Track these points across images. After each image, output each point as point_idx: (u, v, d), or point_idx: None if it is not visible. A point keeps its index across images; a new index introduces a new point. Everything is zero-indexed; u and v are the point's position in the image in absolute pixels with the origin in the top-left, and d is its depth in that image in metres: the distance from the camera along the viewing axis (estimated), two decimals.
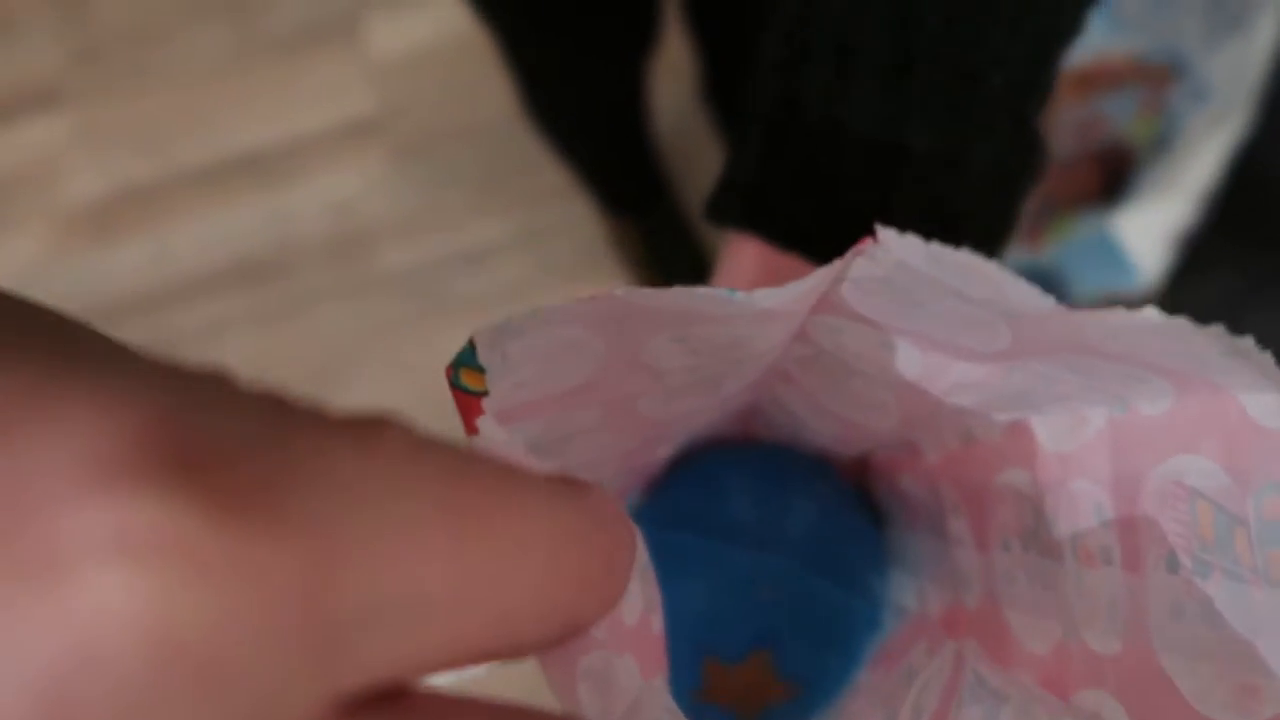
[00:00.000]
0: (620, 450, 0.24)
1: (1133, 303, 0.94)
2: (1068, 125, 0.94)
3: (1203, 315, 0.89)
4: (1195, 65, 0.86)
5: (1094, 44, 0.92)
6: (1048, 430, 0.22)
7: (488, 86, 1.30)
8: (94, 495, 0.08)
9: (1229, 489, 0.17)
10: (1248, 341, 0.15)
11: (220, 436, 0.09)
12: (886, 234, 0.17)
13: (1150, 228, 0.85)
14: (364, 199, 1.29)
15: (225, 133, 1.34)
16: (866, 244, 0.17)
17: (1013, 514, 0.23)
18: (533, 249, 1.24)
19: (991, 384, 0.22)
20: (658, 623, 0.22)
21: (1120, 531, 0.20)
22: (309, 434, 0.09)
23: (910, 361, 0.22)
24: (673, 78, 1.25)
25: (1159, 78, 0.90)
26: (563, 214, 1.25)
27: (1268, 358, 0.15)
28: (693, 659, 0.29)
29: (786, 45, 0.29)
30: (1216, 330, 0.15)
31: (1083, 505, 0.21)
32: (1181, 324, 0.15)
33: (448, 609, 0.10)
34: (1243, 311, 0.81)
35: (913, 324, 0.20)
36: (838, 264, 0.18)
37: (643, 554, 0.24)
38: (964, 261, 0.16)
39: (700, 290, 0.16)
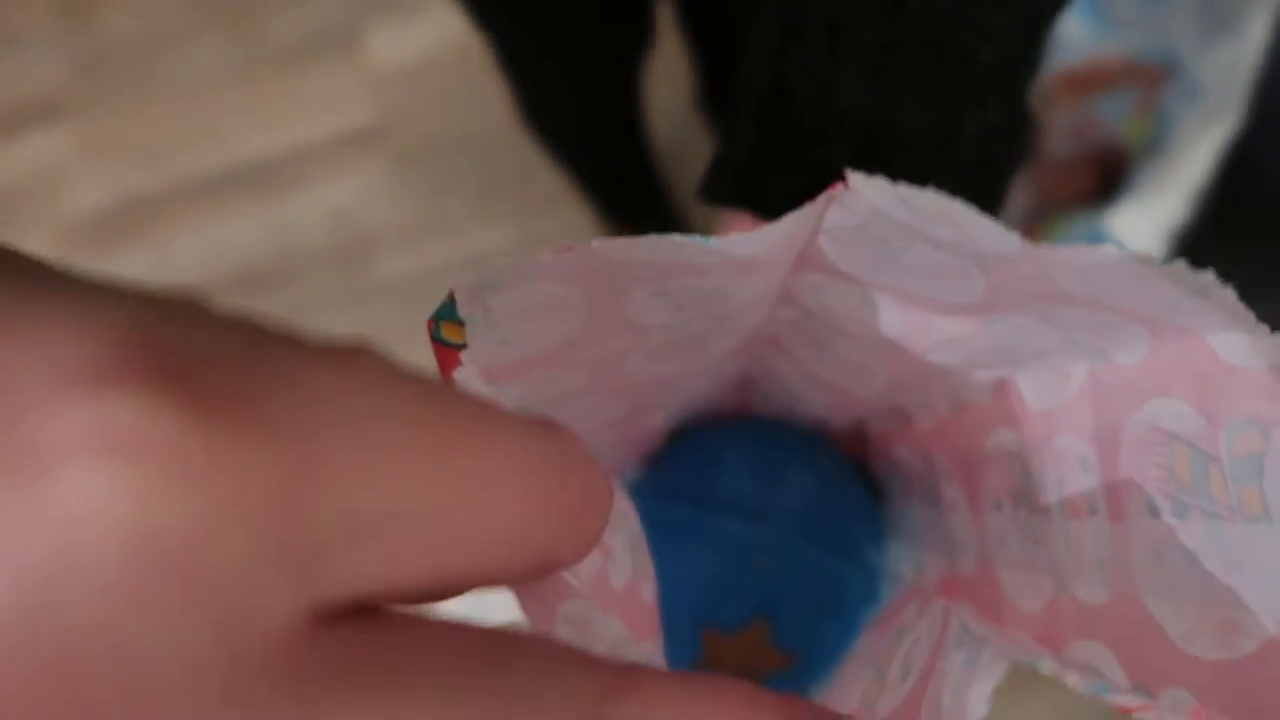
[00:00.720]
0: (610, 416, 0.25)
1: None
2: (1062, 127, 0.95)
3: None
4: (1188, 65, 0.86)
5: (1087, 46, 0.93)
6: (1033, 389, 0.23)
7: (486, 95, 1.31)
8: (76, 397, 0.08)
9: (1202, 429, 0.18)
10: (1209, 278, 0.15)
11: (199, 347, 0.09)
12: (857, 179, 0.17)
13: (1143, 226, 0.85)
14: (364, 207, 1.30)
15: (226, 143, 1.35)
16: (839, 189, 0.18)
17: (1003, 475, 0.24)
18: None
19: (973, 340, 0.22)
20: (648, 592, 0.22)
21: (1105, 482, 0.20)
22: (286, 352, 0.09)
23: (892, 318, 0.22)
24: (668, 85, 1.26)
25: (1152, 78, 0.90)
26: (561, 221, 1.26)
27: (1229, 294, 0.16)
28: (692, 629, 0.29)
29: (778, 27, 0.29)
30: (1179, 268, 0.15)
31: (1068, 460, 0.21)
32: (1141, 262, 0.15)
33: (424, 529, 0.10)
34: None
35: (890, 278, 0.21)
36: (811, 208, 0.18)
37: (635, 524, 0.24)
38: (932, 203, 0.16)
39: (675, 238, 0.16)
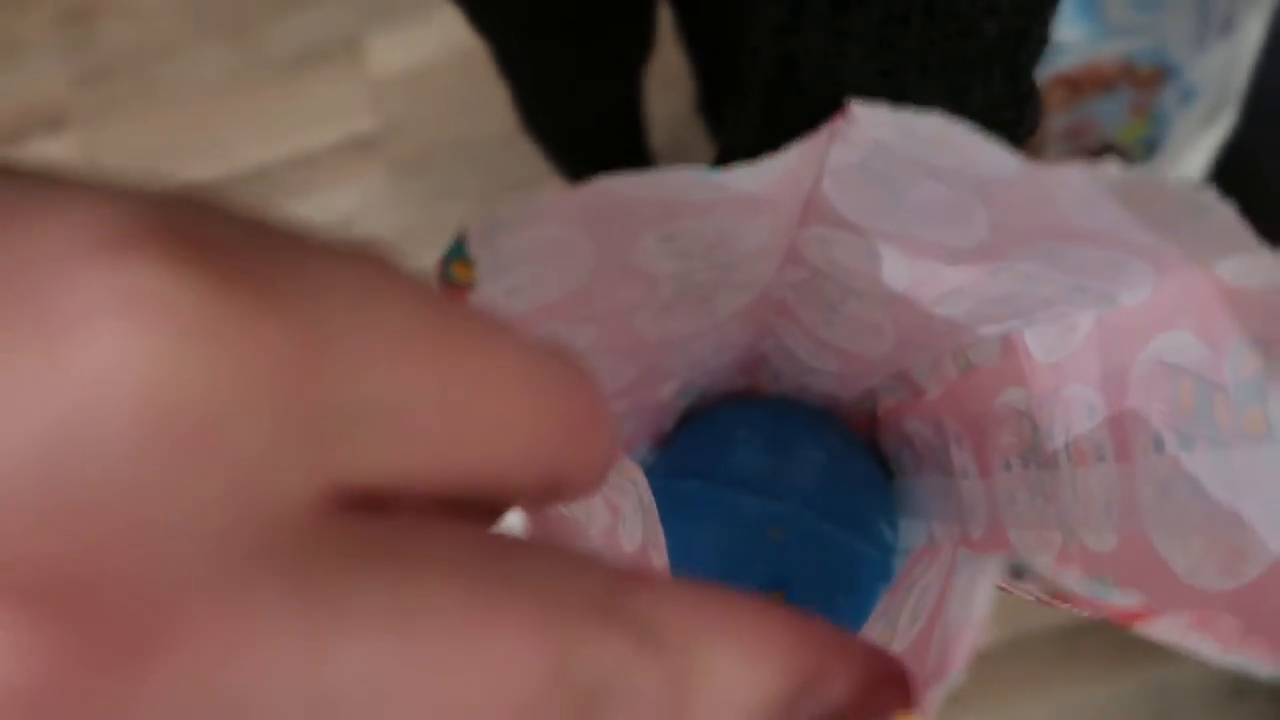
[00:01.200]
0: (621, 381, 0.25)
1: None
2: (1059, 129, 0.96)
3: None
4: (1183, 68, 0.87)
5: (1083, 48, 0.93)
6: (1040, 343, 0.23)
7: (487, 101, 1.32)
8: (98, 262, 0.08)
9: (1207, 358, 0.18)
10: (1208, 195, 0.15)
11: (214, 229, 0.09)
12: (858, 108, 0.17)
13: None
14: (366, 214, 1.30)
15: (228, 151, 1.35)
16: (840, 121, 0.18)
17: (1012, 433, 0.24)
18: None
19: (978, 289, 0.22)
20: (659, 560, 0.22)
21: (1111, 425, 0.20)
22: (296, 242, 0.09)
23: (899, 270, 0.23)
24: (669, 88, 1.27)
25: (1148, 80, 0.91)
26: None
27: (1229, 212, 0.15)
28: None
29: (783, 7, 0.30)
30: (1178, 184, 0.15)
31: (1075, 409, 0.22)
32: (1144, 180, 0.15)
33: (433, 422, 0.10)
34: None
35: (895, 223, 0.21)
36: (814, 141, 0.18)
37: (646, 493, 0.25)
38: (932, 127, 0.16)
39: (680, 171, 0.17)
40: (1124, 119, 0.94)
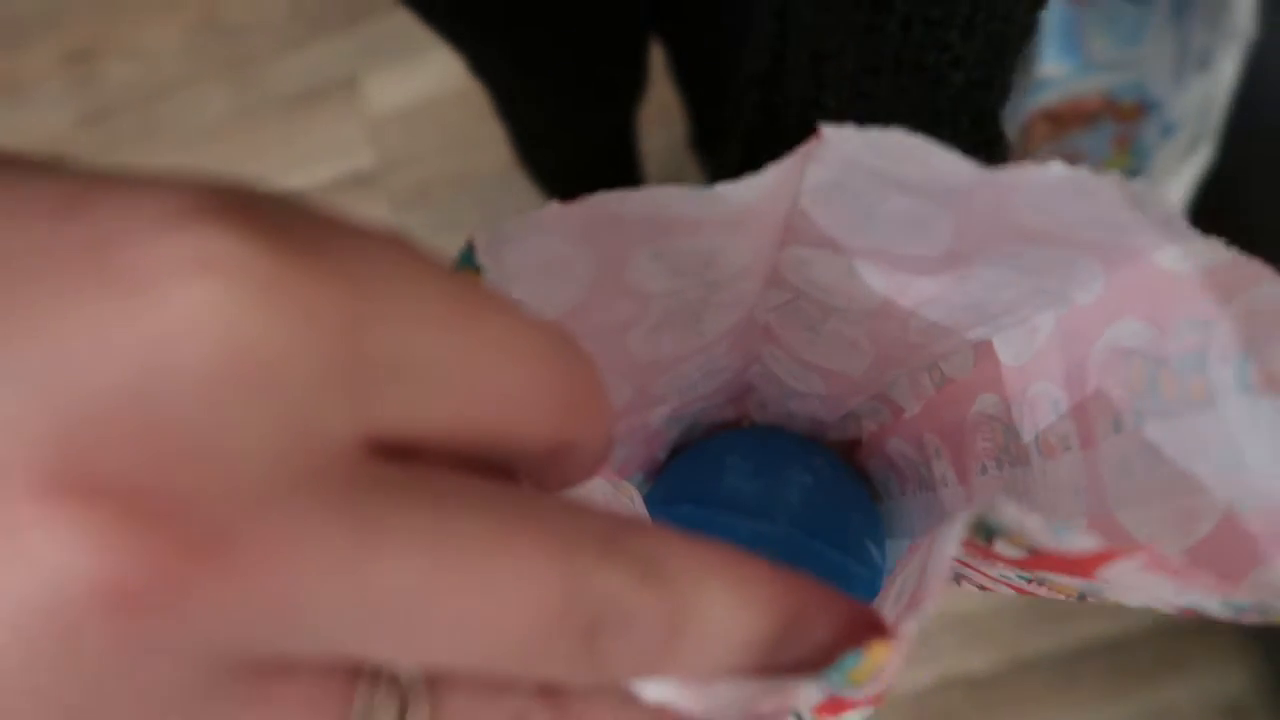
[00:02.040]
0: (619, 400, 0.26)
1: None
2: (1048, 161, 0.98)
3: None
4: (1163, 102, 0.89)
5: (1067, 84, 0.96)
6: (1007, 348, 0.24)
7: (483, 137, 1.34)
8: (175, 229, 0.09)
9: (1154, 339, 0.19)
10: (1145, 189, 0.17)
11: (269, 206, 0.10)
12: (831, 130, 0.18)
13: None
14: None
15: None
16: (815, 142, 0.19)
17: (987, 438, 0.25)
18: None
19: (948, 297, 0.24)
20: None
21: (1075, 416, 0.22)
22: (339, 222, 0.11)
23: (874, 284, 0.24)
24: (662, 124, 1.29)
25: (1129, 114, 0.93)
26: None
27: (1164, 205, 0.17)
28: None
29: (766, 56, 0.32)
30: (1117, 180, 0.16)
31: (1042, 405, 0.23)
32: (1084, 176, 0.17)
33: (455, 380, 0.11)
34: None
35: (869, 238, 0.22)
36: (791, 159, 0.19)
37: (642, 510, 0.26)
38: (897, 141, 0.18)
39: (670, 189, 0.18)
40: (1108, 152, 0.96)
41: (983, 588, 0.28)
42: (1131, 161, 0.92)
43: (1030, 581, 0.23)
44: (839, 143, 0.19)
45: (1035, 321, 0.23)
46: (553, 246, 0.19)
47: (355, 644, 0.10)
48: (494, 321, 0.12)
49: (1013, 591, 0.27)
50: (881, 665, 0.14)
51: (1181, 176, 0.82)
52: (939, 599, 0.18)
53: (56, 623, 0.09)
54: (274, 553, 0.09)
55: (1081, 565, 0.17)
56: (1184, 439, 0.19)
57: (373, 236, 0.11)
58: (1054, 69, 0.97)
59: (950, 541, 0.15)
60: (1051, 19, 0.95)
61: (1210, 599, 0.17)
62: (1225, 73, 0.83)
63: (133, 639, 0.09)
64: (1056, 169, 0.17)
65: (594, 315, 0.22)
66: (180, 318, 0.09)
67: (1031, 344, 0.24)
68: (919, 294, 0.24)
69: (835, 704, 0.16)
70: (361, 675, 0.11)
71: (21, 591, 0.09)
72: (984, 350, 0.25)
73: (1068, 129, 0.97)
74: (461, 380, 0.11)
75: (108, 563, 0.09)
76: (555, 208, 0.18)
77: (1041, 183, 0.18)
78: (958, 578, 0.28)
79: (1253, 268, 0.18)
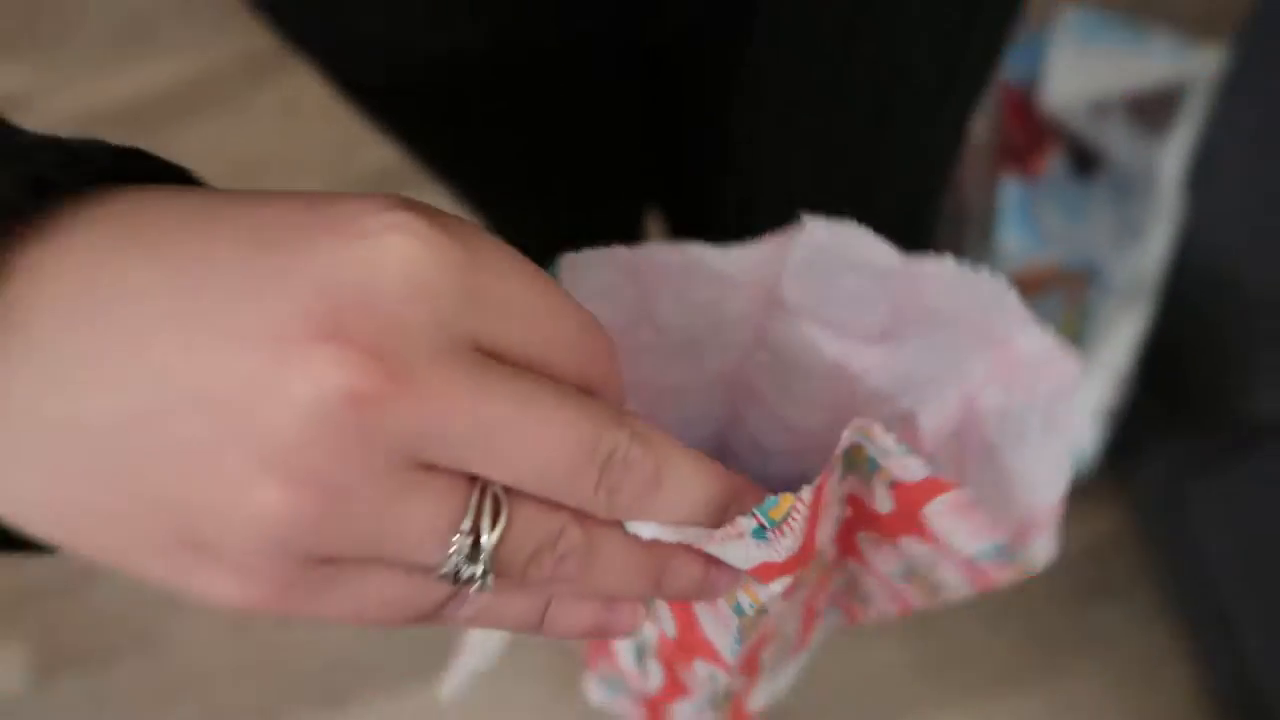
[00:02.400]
0: None
1: (1078, 481, 1.02)
2: None
3: (1144, 487, 0.96)
4: (1105, 269, 0.99)
5: (1023, 255, 1.06)
6: (927, 420, 0.29)
7: None
8: (384, 210, 0.17)
9: (1004, 400, 0.26)
10: (998, 285, 0.23)
11: (435, 209, 0.17)
12: (809, 221, 0.23)
13: (1081, 410, 0.94)
14: None
15: None
16: (795, 230, 0.24)
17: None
18: None
19: (886, 366, 0.28)
20: None
21: (957, 463, 0.28)
22: (469, 221, 0.18)
23: (830, 349, 0.29)
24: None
25: (1077, 282, 1.03)
26: None
27: (1010, 296, 0.23)
28: None
29: (738, 190, 0.41)
30: (982, 276, 0.23)
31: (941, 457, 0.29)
32: (965, 273, 0.23)
33: (528, 321, 0.18)
34: (1182, 481, 0.89)
35: (830, 310, 0.27)
36: (778, 239, 0.24)
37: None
38: (848, 230, 0.23)
39: (684, 245, 0.24)
40: (1061, 316, 1.05)
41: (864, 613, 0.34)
42: (1080, 323, 1.01)
43: (905, 578, 0.29)
44: (813, 229, 0.24)
45: (947, 394, 0.28)
46: (608, 276, 0.25)
47: (473, 458, 0.16)
48: (553, 294, 0.18)
49: (894, 610, 0.32)
50: (790, 508, 0.20)
51: (1123, 332, 0.91)
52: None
53: (325, 408, 0.15)
54: (436, 391, 0.16)
55: (919, 488, 0.24)
56: (1020, 465, 0.26)
57: (491, 236, 0.18)
58: (1013, 241, 1.07)
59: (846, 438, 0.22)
60: (1009, 199, 1.07)
61: (999, 539, 0.23)
62: (1157, 245, 0.93)
63: (364, 426, 0.15)
64: (948, 264, 0.23)
65: (625, 337, 0.27)
66: (388, 254, 0.16)
67: (941, 413, 0.28)
68: (865, 359, 0.28)
69: (765, 569, 0.21)
70: (474, 482, 0.17)
71: (307, 391, 0.15)
72: (908, 419, 0.30)
73: (1026, 295, 1.07)
74: (529, 321, 0.17)
75: (353, 376, 0.15)
76: (619, 248, 0.24)
77: (943, 275, 0.23)
78: (859, 608, 0.33)
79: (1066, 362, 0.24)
